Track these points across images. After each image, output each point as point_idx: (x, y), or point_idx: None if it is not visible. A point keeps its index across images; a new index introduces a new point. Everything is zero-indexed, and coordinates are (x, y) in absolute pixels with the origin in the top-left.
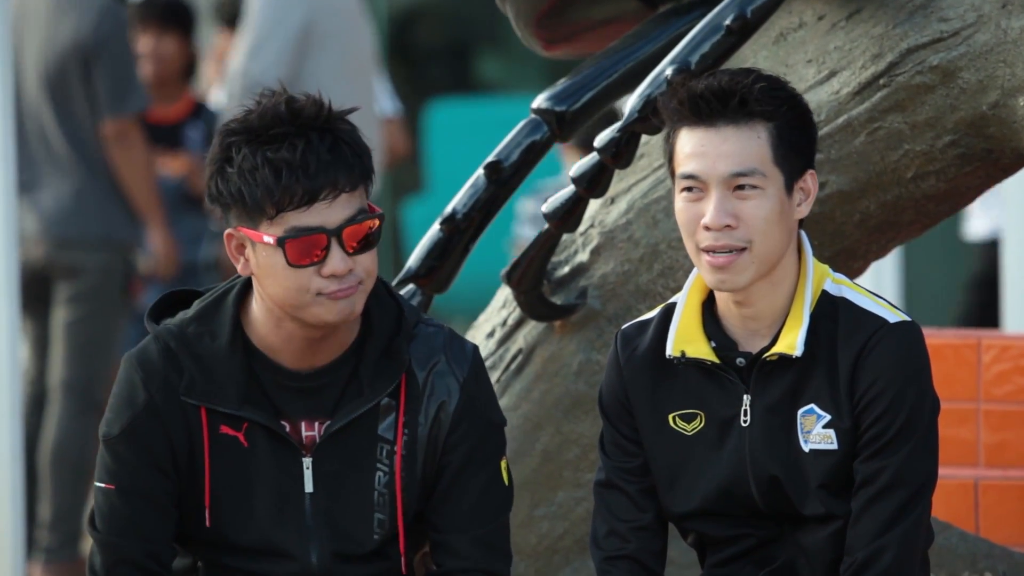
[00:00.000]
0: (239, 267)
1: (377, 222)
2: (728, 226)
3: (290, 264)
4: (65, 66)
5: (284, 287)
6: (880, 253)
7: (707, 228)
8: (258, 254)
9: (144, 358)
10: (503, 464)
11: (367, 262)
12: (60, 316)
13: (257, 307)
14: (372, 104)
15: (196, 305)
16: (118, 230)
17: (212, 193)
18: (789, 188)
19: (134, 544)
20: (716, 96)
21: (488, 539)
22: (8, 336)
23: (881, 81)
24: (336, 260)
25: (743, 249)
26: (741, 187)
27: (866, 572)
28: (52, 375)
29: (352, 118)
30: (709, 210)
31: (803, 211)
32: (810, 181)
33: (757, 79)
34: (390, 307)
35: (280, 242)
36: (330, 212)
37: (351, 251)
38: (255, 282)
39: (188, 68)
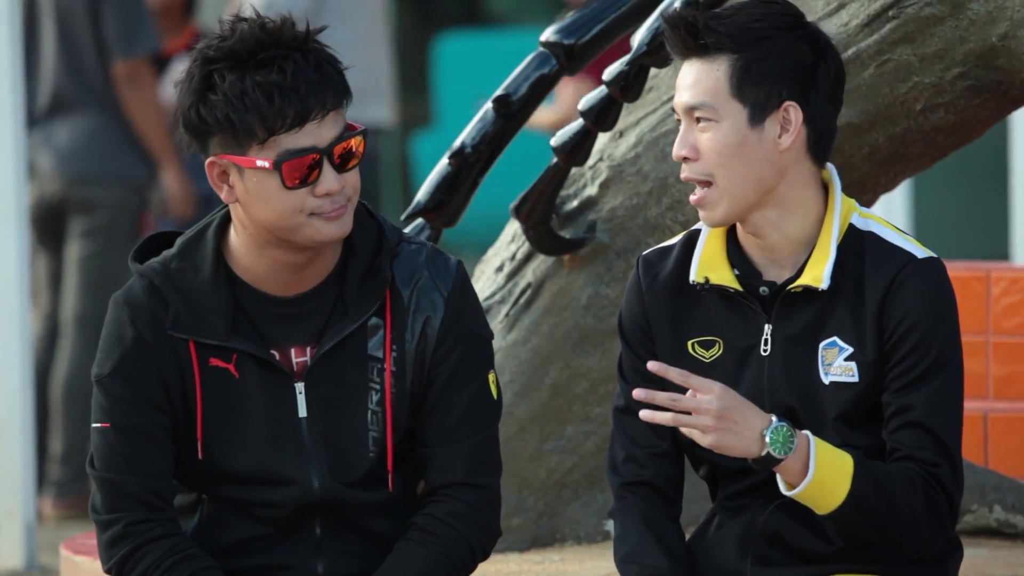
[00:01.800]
0: (223, 195)
1: (361, 138)
2: (687, 157)
3: (286, 186)
4: (73, 5)
5: (278, 210)
6: (889, 186)
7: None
8: (247, 180)
9: (129, 296)
10: (491, 377)
11: (353, 179)
12: (73, 251)
13: (238, 237)
14: (384, 35)
15: (178, 242)
16: (133, 168)
17: (192, 122)
18: (757, 121)
19: (133, 479)
20: (686, 30)
21: (476, 451)
22: (16, 270)
23: (890, 13)
24: (329, 179)
25: (709, 184)
26: (699, 120)
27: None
28: (65, 309)
29: (366, 51)
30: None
31: (785, 143)
32: (792, 113)
33: (735, 12)
34: (371, 227)
35: (277, 165)
36: (320, 131)
37: (341, 169)
38: (239, 210)
39: (189, 1)
